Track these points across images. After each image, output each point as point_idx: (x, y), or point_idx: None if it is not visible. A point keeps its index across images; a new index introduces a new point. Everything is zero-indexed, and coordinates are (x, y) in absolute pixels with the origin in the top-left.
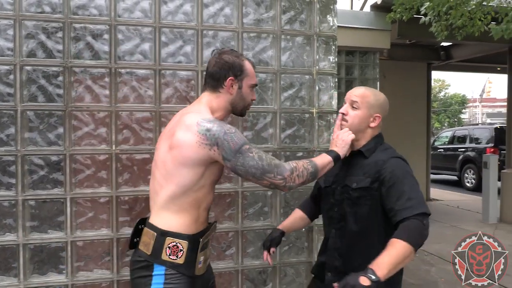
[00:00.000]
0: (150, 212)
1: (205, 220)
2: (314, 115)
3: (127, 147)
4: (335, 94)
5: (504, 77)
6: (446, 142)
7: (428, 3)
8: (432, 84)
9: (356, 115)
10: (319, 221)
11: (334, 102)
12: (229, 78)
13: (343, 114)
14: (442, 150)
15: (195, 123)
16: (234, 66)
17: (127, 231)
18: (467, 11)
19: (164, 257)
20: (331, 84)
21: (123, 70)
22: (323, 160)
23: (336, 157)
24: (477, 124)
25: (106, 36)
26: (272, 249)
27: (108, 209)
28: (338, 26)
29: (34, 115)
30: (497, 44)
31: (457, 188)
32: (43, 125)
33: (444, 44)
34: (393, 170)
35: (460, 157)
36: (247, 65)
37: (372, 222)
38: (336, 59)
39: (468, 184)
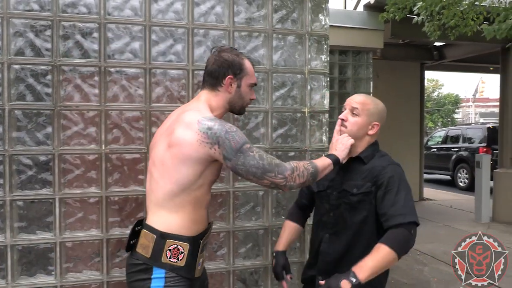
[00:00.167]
0: (145, 212)
1: (205, 220)
2: (306, 115)
3: (117, 147)
4: (327, 93)
5: (496, 77)
6: (439, 142)
7: (420, 3)
8: (426, 84)
9: (355, 121)
10: (311, 221)
11: (326, 101)
12: (228, 76)
13: (342, 120)
14: (436, 149)
15: (195, 121)
16: (233, 65)
17: (117, 231)
18: (459, 11)
19: (164, 260)
20: (323, 83)
21: (112, 69)
22: (323, 162)
23: (336, 160)
24: (470, 124)
25: (95, 34)
26: (289, 276)
27: (98, 210)
28: (331, 26)
29: (22, 114)
30: (490, 44)
31: (450, 188)
32: (32, 124)
33: (437, 44)
34: (391, 176)
35: (453, 156)
36: (247, 64)
37: (367, 226)
38: (328, 58)
39: (461, 184)
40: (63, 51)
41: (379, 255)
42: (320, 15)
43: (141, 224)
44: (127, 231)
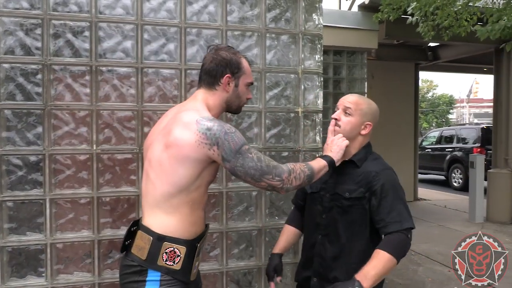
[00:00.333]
0: (138, 213)
1: (202, 221)
2: (300, 115)
3: (108, 147)
4: (321, 93)
5: (490, 78)
6: (434, 142)
7: (415, 3)
8: (420, 85)
9: (348, 121)
10: None
11: (320, 101)
12: (226, 75)
13: (335, 119)
14: (430, 150)
15: (194, 121)
16: (231, 63)
17: (109, 232)
18: (453, 12)
19: (160, 262)
20: (317, 83)
21: (104, 68)
22: (319, 164)
23: (331, 162)
24: (464, 124)
25: (86, 33)
26: (278, 278)
27: (89, 210)
28: (326, 26)
29: (12, 114)
30: (483, 45)
31: (444, 188)
32: (22, 124)
33: (432, 44)
34: (386, 183)
35: (448, 157)
36: (244, 63)
37: (359, 229)
38: (321, 58)
39: (455, 184)
40: (54, 50)
41: (381, 263)
42: (313, 14)
43: (137, 224)
44: (119, 232)
